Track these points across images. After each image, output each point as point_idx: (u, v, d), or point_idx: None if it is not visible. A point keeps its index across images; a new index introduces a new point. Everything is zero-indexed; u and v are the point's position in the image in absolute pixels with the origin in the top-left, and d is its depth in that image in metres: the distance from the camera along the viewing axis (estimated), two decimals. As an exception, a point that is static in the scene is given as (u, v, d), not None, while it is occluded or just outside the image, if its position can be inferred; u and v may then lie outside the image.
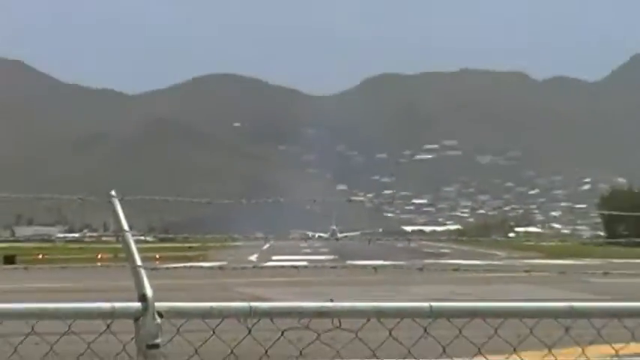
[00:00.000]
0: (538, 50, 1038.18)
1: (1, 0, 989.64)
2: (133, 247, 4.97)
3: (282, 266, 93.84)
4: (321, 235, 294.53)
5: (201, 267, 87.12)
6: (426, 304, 6.57)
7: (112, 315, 5.09)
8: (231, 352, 6.78)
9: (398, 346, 7.63)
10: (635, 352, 8.25)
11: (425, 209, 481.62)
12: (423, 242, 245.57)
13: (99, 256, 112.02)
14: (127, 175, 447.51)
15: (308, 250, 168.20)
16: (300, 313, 6.25)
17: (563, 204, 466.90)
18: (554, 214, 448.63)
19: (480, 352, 8.18)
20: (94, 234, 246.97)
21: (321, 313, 6.26)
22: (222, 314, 5.65)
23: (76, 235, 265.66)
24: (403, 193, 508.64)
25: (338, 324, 6.60)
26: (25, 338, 6.32)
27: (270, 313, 6.03)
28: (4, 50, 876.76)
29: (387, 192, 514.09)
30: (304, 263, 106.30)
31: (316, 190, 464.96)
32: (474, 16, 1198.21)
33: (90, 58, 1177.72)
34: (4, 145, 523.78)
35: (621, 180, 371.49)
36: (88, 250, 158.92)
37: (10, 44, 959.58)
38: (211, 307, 5.64)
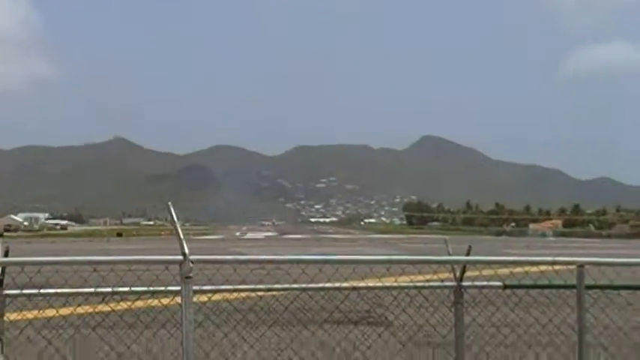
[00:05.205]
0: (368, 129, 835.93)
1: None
2: (179, 228, 4.86)
3: (254, 238, 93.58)
4: (268, 223, 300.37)
5: (212, 239, 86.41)
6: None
7: (168, 262, 5.00)
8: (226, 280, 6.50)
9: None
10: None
11: (320, 210, 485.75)
12: (320, 227, 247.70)
13: (162, 233, 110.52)
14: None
15: (264, 230, 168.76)
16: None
17: (386, 208, 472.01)
18: (382, 212, 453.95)
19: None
20: (160, 221, 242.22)
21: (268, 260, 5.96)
22: (226, 261, 5.43)
23: (151, 222, 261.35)
24: (310, 203, 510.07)
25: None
26: (127, 272, 6.02)
27: (251, 261, 5.75)
28: None
29: (302, 202, 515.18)
30: (263, 236, 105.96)
31: (269, 203, 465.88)
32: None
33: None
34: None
35: (413, 197, 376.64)
36: (156, 229, 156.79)
37: None
38: (220, 258, 5.45)
